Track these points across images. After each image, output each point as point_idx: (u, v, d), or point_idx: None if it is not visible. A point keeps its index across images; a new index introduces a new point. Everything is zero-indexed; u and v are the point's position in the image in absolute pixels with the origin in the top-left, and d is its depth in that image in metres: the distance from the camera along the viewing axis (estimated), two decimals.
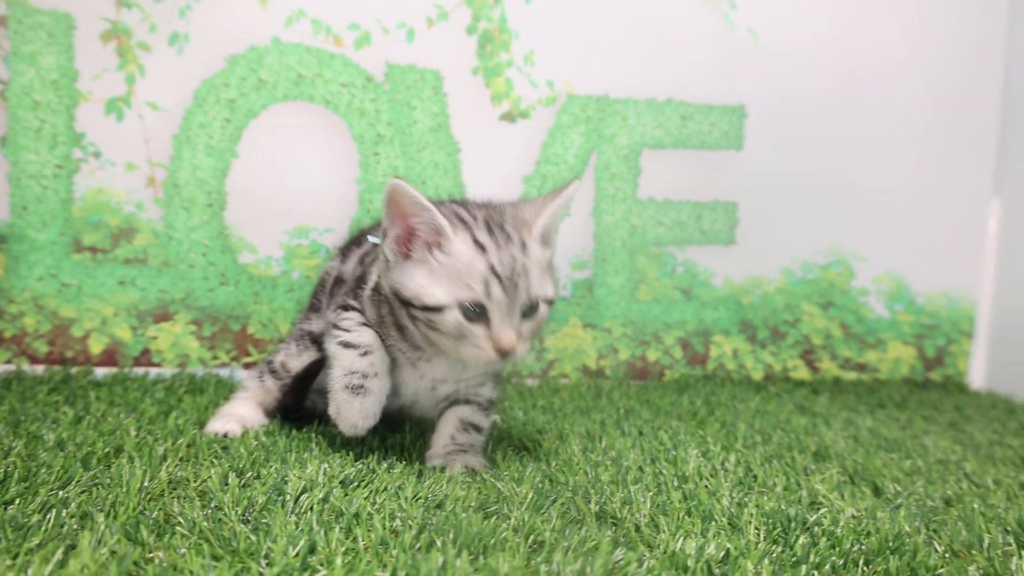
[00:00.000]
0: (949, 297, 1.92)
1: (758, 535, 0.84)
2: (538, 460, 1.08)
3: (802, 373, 1.87)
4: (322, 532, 0.73)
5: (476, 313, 0.93)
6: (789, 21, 1.76)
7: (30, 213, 1.44)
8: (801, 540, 0.82)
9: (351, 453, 1.04)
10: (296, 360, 1.15)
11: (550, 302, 1.02)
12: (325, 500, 0.83)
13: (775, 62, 1.76)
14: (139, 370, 1.50)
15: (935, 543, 0.85)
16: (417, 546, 0.72)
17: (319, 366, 1.12)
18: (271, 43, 1.51)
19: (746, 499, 0.95)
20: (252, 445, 1.05)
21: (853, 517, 0.92)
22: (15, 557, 0.63)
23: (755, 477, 1.06)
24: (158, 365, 1.52)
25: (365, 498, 0.85)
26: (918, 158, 1.86)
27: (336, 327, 1.04)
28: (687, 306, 1.79)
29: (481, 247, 0.94)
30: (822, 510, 0.92)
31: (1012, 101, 1.89)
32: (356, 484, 0.91)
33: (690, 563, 0.73)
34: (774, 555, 0.78)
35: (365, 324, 1.04)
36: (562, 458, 1.09)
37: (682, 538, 0.79)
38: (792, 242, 1.83)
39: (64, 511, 0.74)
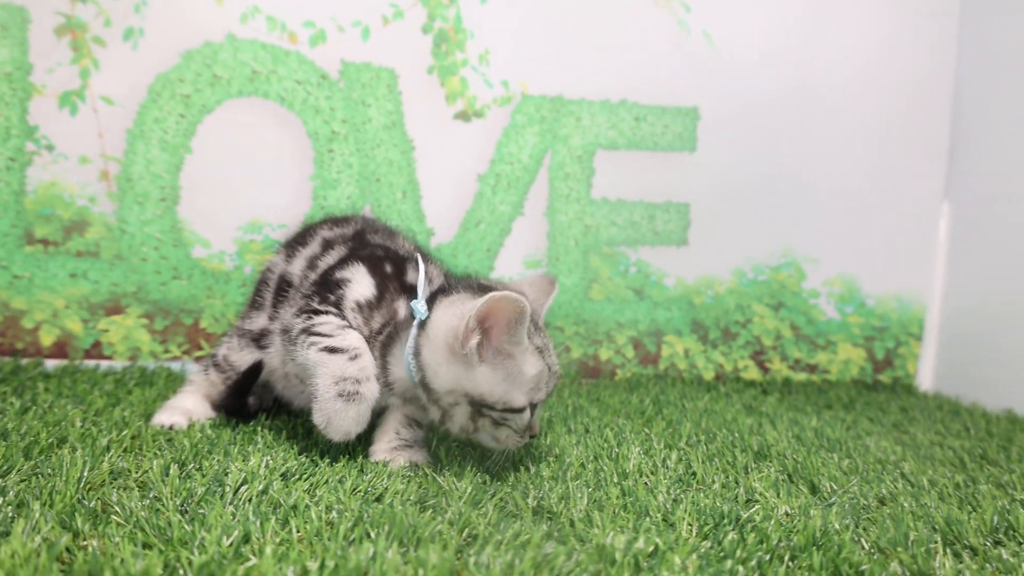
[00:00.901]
0: (900, 300, 2.02)
1: (690, 530, 0.90)
2: (480, 457, 1.17)
3: (752, 373, 1.97)
4: (258, 523, 0.79)
5: (532, 408, 1.07)
6: (744, 25, 1.86)
7: None
8: (730, 536, 0.87)
9: (295, 447, 1.11)
10: (237, 355, 1.23)
11: None
12: (264, 492, 0.90)
13: (729, 65, 1.85)
14: (90, 362, 1.57)
15: (863, 540, 0.90)
16: (352, 538, 0.78)
17: (259, 369, 1.19)
18: (226, 39, 1.58)
19: (682, 496, 1.01)
20: (197, 437, 1.12)
21: (786, 514, 0.99)
22: None
23: (694, 475, 1.14)
24: (109, 358, 1.59)
25: (304, 491, 0.92)
26: (871, 162, 1.96)
27: (312, 332, 1.05)
28: (639, 306, 1.88)
29: (542, 352, 1.07)
30: (755, 507, 0.99)
31: (963, 107, 2.00)
32: (297, 477, 0.98)
33: (618, 556, 0.78)
34: (702, 550, 0.84)
35: (349, 328, 1.06)
36: (505, 455, 1.18)
37: (613, 533, 0.84)
38: (744, 243, 1.92)
39: (2, 499, 0.82)
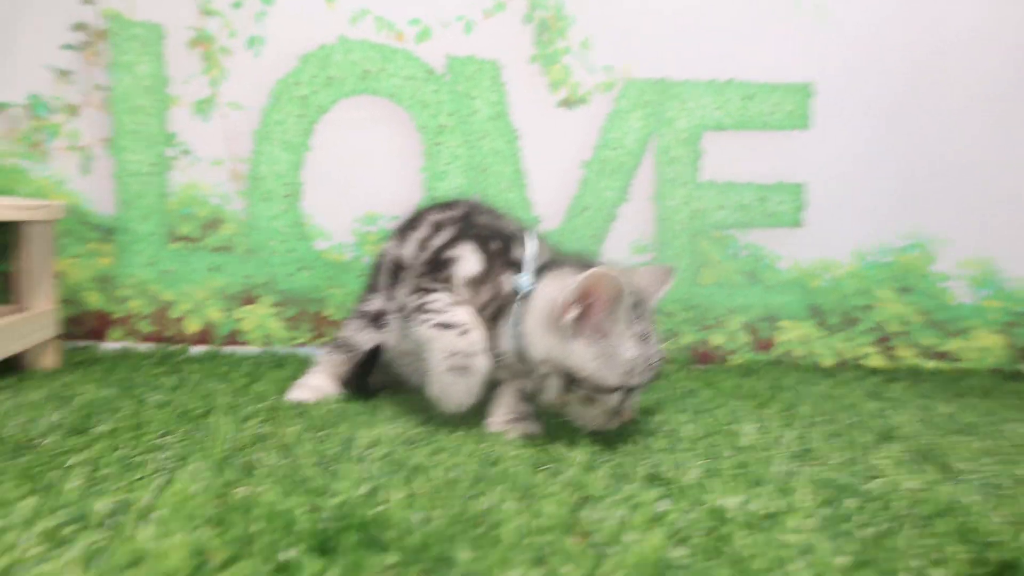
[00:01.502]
0: None
1: (806, 498, 0.90)
2: (593, 431, 1.21)
3: (876, 361, 1.91)
4: (384, 478, 0.88)
5: (625, 392, 1.10)
6: None
7: (132, 207, 1.70)
8: (850, 503, 0.88)
9: (416, 419, 1.21)
10: (358, 335, 1.34)
11: None
12: (390, 454, 1.00)
13: (843, 38, 1.81)
14: (228, 349, 1.73)
15: (993, 515, 0.87)
16: (472, 493, 0.86)
17: (379, 349, 1.29)
18: (338, 41, 1.71)
19: (799, 469, 1.02)
20: (326, 410, 1.24)
21: (910, 489, 1.00)
22: (124, 485, 0.83)
23: (811, 451, 1.14)
24: (245, 344, 1.75)
25: (426, 455, 1.01)
26: (1005, 134, 1.86)
27: (424, 310, 1.14)
28: (752, 290, 1.87)
29: (642, 340, 1.10)
30: (878, 480, 1.00)
31: None
32: (419, 443, 1.08)
33: (731, 516, 0.81)
34: (821, 515, 0.85)
35: (458, 303, 1.14)
36: (616, 430, 1.22)
37: (727, 496, 0.87)
38: (865, 224, 1.87)
39: (164, 454, 0.94)
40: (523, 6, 1.75)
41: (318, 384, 1.37)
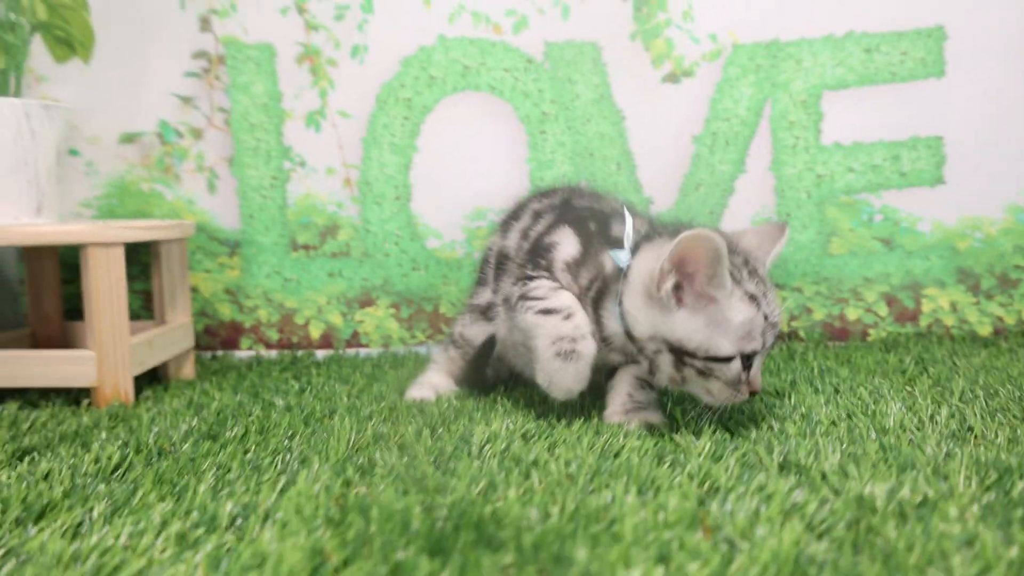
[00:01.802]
0: None
1: (968, 483, 0.82)
2: (720, 417, 1.16)
3: None
4: (502, 474, 0.86)
5: (746, 360, 1.04)
6: None
7: (256, 220, 1.77)
8: (1021, 487, 0.79)
9: (533, 412, 1.20)
10: (470, 329, 1.34)
11: None
12: (506, 450, 0.98)
13: None
14: (351, 351, 1.78)
15: None
16: (591, 488, 0.83)
17: (492, 343, 1.28)
18: (437, 41, 1.71)
19: (957, 450, 0.93)
20: (444, 407, 1.24)
21: None
22: (250, 487, 0.86)
23: (971, 429, 1.04)
24: (366, 346, 1.79)
25: (544, 448, 0.99)
26: None
27: (527, 297, 1.12)
28: (890, 257, 1.73)
29: (755, 299, 1.04)
30: None
31: None
32: (536, 437, 1.06)
33: (879, 505, 0.74)
34: (985, 501, 0.77)
35: (561, 288, 1.12)
36: (745, 414, 1.16)
37: (873, 483, 0.80)
38: (1019, 174, 1.69)
39: (289, 455, 0.97)
40: None
41: (436, 381, 1.38)
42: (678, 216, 1.72)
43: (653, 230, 1.16)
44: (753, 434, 1.05)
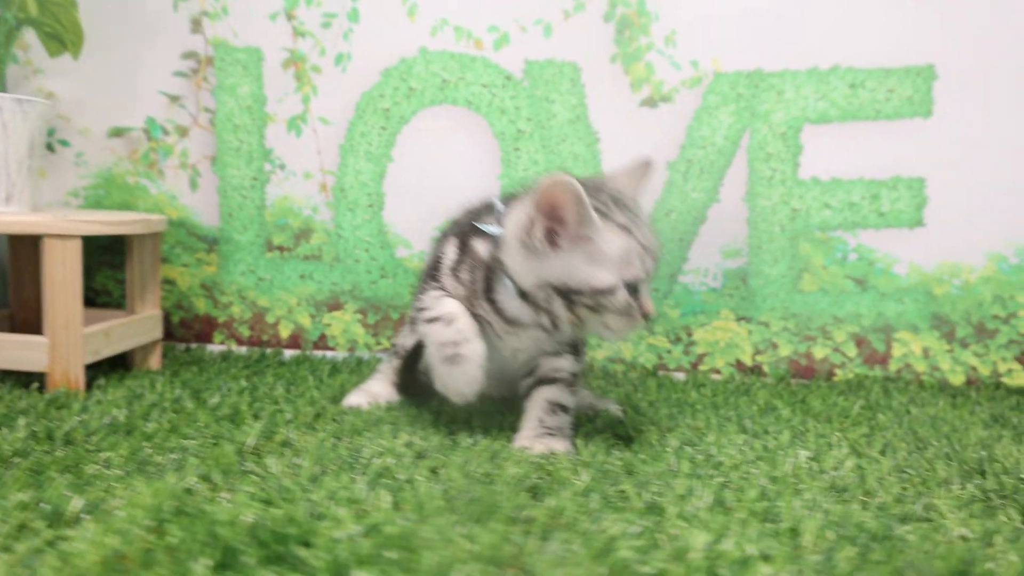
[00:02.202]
0: None
1: (813, 543, 0.81)
2: (624, 450, 1.16)
3: (1021, 379, 1.67)
4: (359, 494, 0.88)
5: (632, 289, 1.08)
6: None
7: (234, 219, 1.83)
8: (849, 552, 0.78)
9: (447, 428, 1.21)
10: (408, 340, 1.36)
11: None
12: (388, 468, 0.99)
13: (973, 9, 1.59)
14: (318, 353, 1.82)
15: None
16: (421, 516, 0.82)
17: (419, 349, 1.31)
18: (418, 53, 1.74)
19: (833, 506, 0.92)
20: (365, 417, 1.27)
21: (963, 538, 0.87)
22: (111, 485, 0.89)
23: (854, 485, 1.02)
24: (332, 349, 1.83)
25: (428, 468, 1.01)
26: None
27: (419, 309, 1.19)
28: (862, 297, 1.69)
29: (627, 229, 1.09)
30: (921, 524, 0.88)
31: None
32: (428, 455, 1.07)
33: (691, 556, 0.74)
34: (807, 562, 0.76)
35: (445, 296, 1.17)
36: (654, 447, 1.15)
37: (707, 534, 0.79)
38: (1002, 221, 1.64)
39: (179, 455, 1.01)
40: (603, 5, 1.69)
41: (375, 390, 1.41)
42: None
43: (513, 195, 1.21)
44: (641, 471, 1.05)
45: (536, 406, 1.19)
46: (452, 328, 1.12)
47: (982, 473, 1.11)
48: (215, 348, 1.85)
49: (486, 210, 1.22)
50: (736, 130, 1.69)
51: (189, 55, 1.80)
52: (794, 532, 0.83)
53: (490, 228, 1.15)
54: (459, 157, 1.76)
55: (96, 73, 1.80)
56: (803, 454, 1.13)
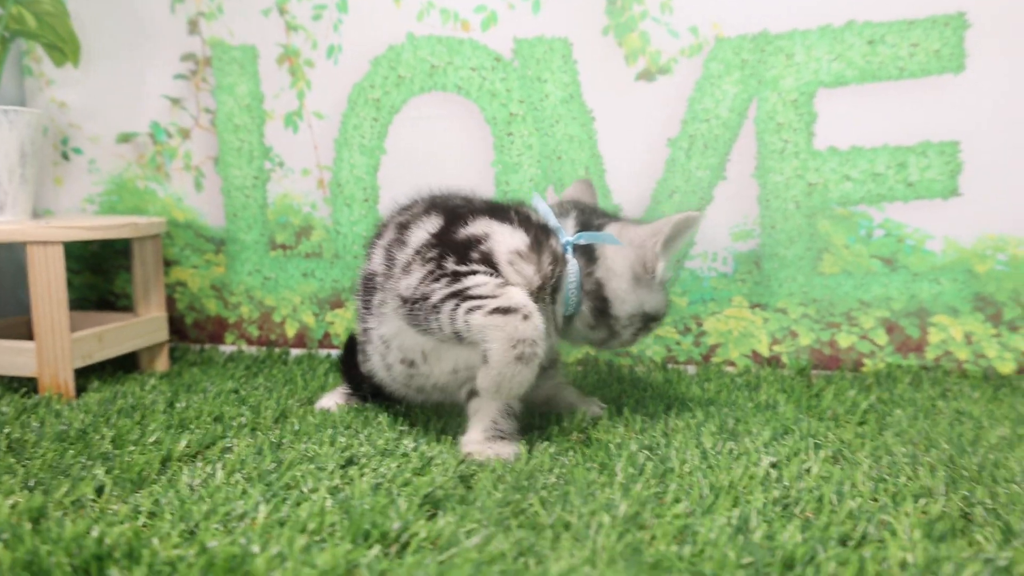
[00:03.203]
0: None
1: (710, 569, 0.74)
2: (577, 455, 1.10)
3: None
4: (256, 502, 0.88)
5: None
6: None
7: (239, 219, 1.86)
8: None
9: (394, 433, 1.19)
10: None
11: None
12: (302, 476, 0.98)
13: None
14: (323, 351, 1.83)
15: None
16: (310, 527, 0.82)
17: (352, 343, 1.29)
18: (406, 39, 1.71)
19: (759, 525, 0.84)
20: (320, 421, 1.25)
21: (900, 566, 0.76)
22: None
23: (820, 499, 0.92)
24: (337, 347, 1.83)
25: (342, 478, 0.98)
26: None
27: (468, 296, 1.02)
28: (892, 278, 1.54)
29: None
30: (858, 550, 0.79)
31: None
32: (353, 465, 1.04)
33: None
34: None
35: (507, 284, 1.05)
36: (603, 456, 1.09)
37: (564, 560, 0.75)
38: None
39: (92, 466, 1.02)
40: None
41: (348, 392, 1.39)
42: None
43: (587, 210, 1.23)
44: (586, 478, 0.98)
45: (492, 407, 1.14)
46: (530, 324, 1.00)
47: (978, 481, 0.98)
48: (227, 349, 1.89)
49: (516, 205, 1.19)
50: (742, 100, 1.57)
51: (188, 56, 1.84)
52: (697, 557, 0.75)
53: (599, 237, 1.16)
54: (451, 145, 1.71)
55: (101, 81, 1.87)
56: (767, 460, 1.03)
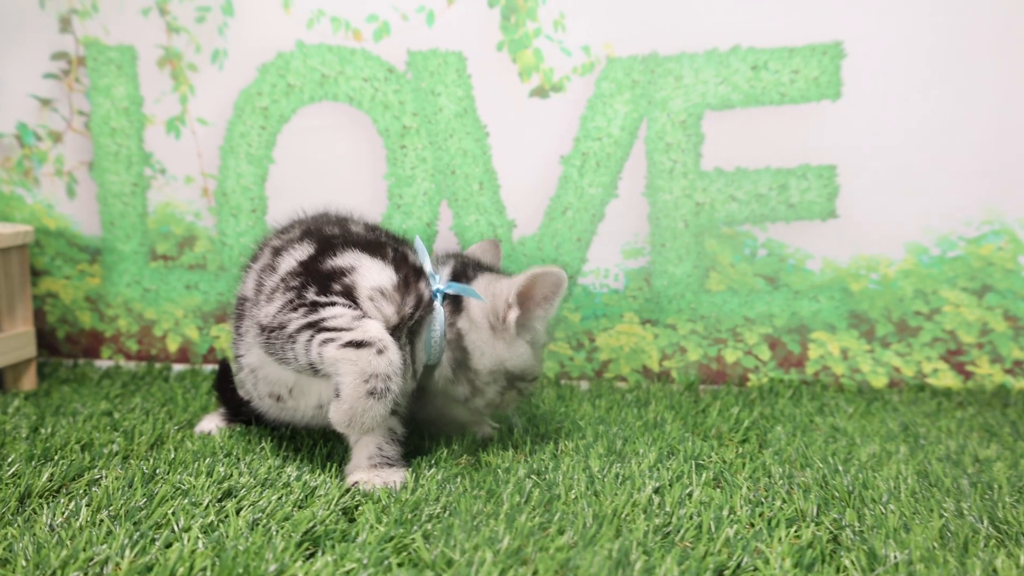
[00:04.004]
0: None
1: None
2: (463, 481, 1.09)
3: (946, 379, 1.58)
4: (122, 541, 0.84)
5: None
6: None
7: (116, 227, 1.76)
8: None
9: (278, 459, 1.15)
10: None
11: None
12: (180, 508, 0.94)
13: None
14: (208, 367, 1.76)
15: None
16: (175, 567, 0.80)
17: (225, 366, 1.27)
18: (295, 47, 1.66)
19: (639, 556, 0.85)
20: (198, 445, 1.21)
21: None
22: None
23: (699, 527, 0.95)
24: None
25: (216, 513, 0.95)
26: None
27: (323, 328, 1.01)
28: (774, 296, 1.60)
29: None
30: None
31: None
32: (232, 496, 1.01)
33: None
34: None
35: (364, 316, 1.04)
36: (491, 482, 1.08)
37: None
38: (922, 210, 1.54)
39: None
40: None
41: (230, 415, 1.34)
42: (543, 242, 1.64)
43: (466, 261, 1.22)
44: (471, 508, 0.98)
45: (376, 432, 1.11)
46: (384, 359, 0.99)
47: (848, 503, 1.02)
48: (103, 364, 1.79)
49: (396, 240, 1.19)
50: (633, 119, 1.60)
51: (59, 55, 1.73)
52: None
53: (447, 288, 1.14)
54: (343, 157, 1.68)
55: None
56: (650, 486, 1.05)
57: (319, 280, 1.07)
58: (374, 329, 1.01)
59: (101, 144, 1.74)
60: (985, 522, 0.96)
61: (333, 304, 1.03)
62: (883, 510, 1.00)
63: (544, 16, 1.59)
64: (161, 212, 1.75)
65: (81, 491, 1.03)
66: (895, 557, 0.86)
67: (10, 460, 1.12)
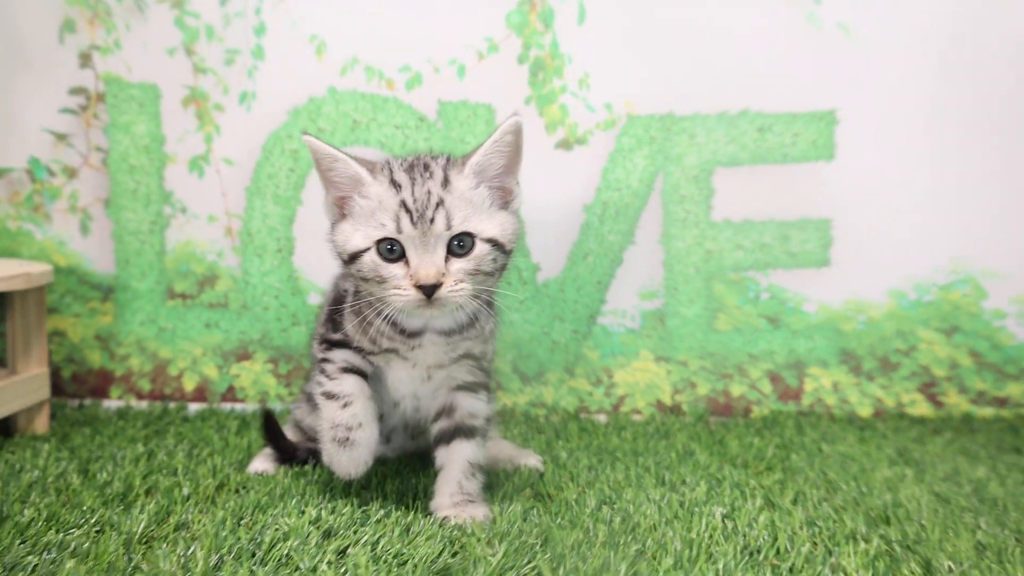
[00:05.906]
0: None
1: None
2: (543, 513, 1.20)
3: (922, 408, 1.81)
4: None
5: (394, 252, 1.05)
6: (884, 14, 1.72)
7: (131, 265, 1.79)
8: None
9: (356, 497, 1.22)
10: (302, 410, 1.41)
11: (492, 241, 1.09)
12: (287, 556, 0.99)
13: (871, 57, 1.73)
14: (226, 405, 1.80)
15: None
16: None
17: (270, 415, 1.36)
18: (327, 93, 1.75)
19: (742, 573, 1.00)
20: (271, 487, 1.26)
21: None
22: None
23: (764, 549, 1.09)
24: (242, 401, 1.81)
25: (331, 553, 1.00)
26: None
27: (320, 372, 1.20)
28: (775, 336, 1.80)
29: (397, 185, 1.06)
30: None
31: None
32: (336, 535, 1.07)
33: None
34: None
35: (347, 369, 1.18)
36: (569, 513, 1.20)
37: None
38: (902, 260, 1.78)
39: (51, 555, 0.99)
40: (517, 47, 1.74)
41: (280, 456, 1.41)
42: (565, 285, 1.78)
43: None
44: (564, 537, 1.10)
45: (455, 467, 1.21)
46: (348, 412, 1.15)
47: (887, 520, 1.21)
48: (112, 404, 1.80)
49: None
50: (650, 172, 1.77)
51: (78, 91, 1.75)
52: None
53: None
54: None
55: None
56: (718, 512, 1.20)
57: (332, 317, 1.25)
58: (347, 384, 1.17)
59: (119, 181, 1.77)
60: (1006, 533, 1.16)
61: (338, 347, 1.22)
62: (919, 526, 1.18)
63: (570, 75, 1.75)
64: (181, 250, 1.79)
65: (174, 537, 1.06)
66: (949, 567, 1.04)
67: (87, 507, 1.15)
